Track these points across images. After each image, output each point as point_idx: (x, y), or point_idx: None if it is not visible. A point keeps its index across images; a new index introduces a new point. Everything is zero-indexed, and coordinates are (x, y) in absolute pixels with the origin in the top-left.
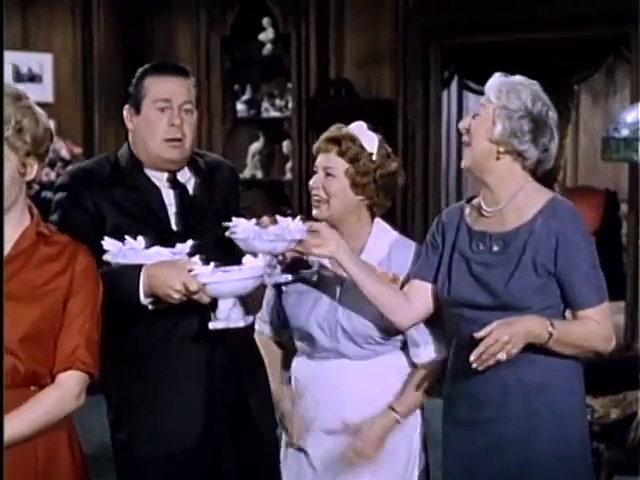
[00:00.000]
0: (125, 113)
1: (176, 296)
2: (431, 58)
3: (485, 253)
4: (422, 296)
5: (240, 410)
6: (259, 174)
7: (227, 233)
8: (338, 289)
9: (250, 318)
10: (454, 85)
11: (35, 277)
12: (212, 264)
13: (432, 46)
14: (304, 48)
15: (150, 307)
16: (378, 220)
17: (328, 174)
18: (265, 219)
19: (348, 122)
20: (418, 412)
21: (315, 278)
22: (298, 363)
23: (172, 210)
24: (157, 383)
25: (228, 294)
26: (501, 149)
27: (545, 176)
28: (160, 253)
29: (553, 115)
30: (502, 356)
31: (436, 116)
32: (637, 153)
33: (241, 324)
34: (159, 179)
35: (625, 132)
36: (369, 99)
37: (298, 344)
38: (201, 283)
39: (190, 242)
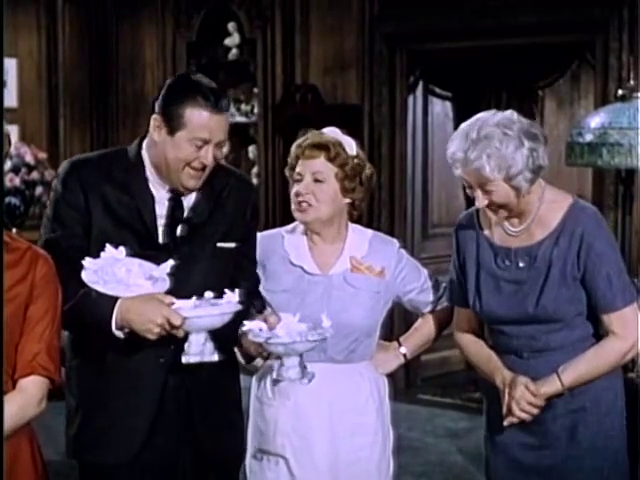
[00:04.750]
0: (154, 122)
1: (156, 330)
2: (397, 63)
3: (512, 269)
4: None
5: (189, 435)
6: None
7: (251, 337)
8: (323, 288)
9: (220, 353)
10: (419, 90)
11: None
12: (194, 298)
13: (398, 51)
14: (270, 53)
15: (122, 337)
16: (350, 223)
17: (317, 180)
18: (272, 319)
19: (315, 127)
20: (388, 418)
21: (300, 281)
22: None
23: (162, 222)
24: (112, 384)
25: (205, 328)
26: (527, 192)
27: None
28: (139, 285)
29: (532, 128)
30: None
31: (402, 121)
32: (601, 158)
33: (215, 358)
34: (158, 188)
35: (589, 137)
36: (335, 104)
37: None
38: (182, 317)
39: (171, 262)
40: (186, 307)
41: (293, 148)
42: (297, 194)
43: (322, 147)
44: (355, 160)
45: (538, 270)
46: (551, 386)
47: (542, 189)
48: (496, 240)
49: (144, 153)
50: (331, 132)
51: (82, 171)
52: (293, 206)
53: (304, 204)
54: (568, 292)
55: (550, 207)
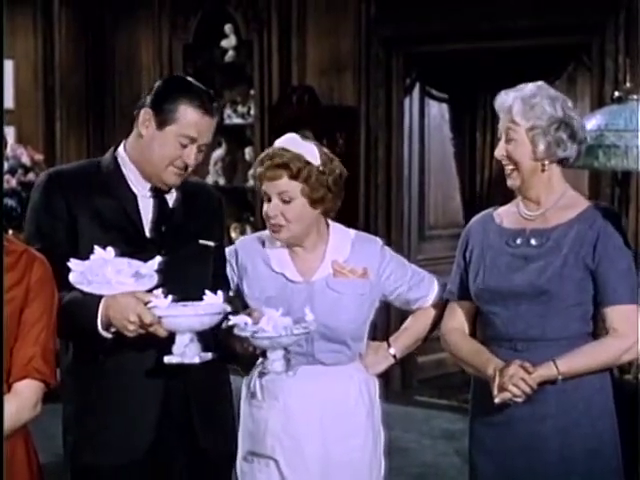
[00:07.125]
0: (144, 117)
1: (131, 328)
2: (393, 65)
3: (523, 246)
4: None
5: (187, 435)
6: (221, 181)
7: (236, 331)
8: (305, 295)
9: (207, 355)
10: (416, 92)
11: None
12: (170, 297)
13: (394, 53)
14: (266, 55)
15: (109, 337)
16: (332, 223)
17: (284, 200)
18: (256, 314)
19: (311, 129)
20: (379, 419)
21: (283, 289)
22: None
23: (148, 218)
24: (113, 385)
25: (184, 329)
26: (546, 162)
27: (505, 184)
28: (122, 282)
29: (570, 104)
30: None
31: (398, 123)
32: (597, 160)
33: (196, 361)
34: (140, 188)
35: None
36: (331, 106)
37: None
38: (157, 316)
39: (158, 258)
40: (162, 306)
41: (256, 163)
42: (267, 216)
43: (283, 166)
44: (320, 169)
45: (550, 249)
46: (546, 369)
47: (565, 185)
48: (510, 225)
49: (123, 156)
50: (290, 142)
51: (62, 180)
52: (267, 225)
53: (275, 224)
54: (577, 274)
55: (570, 202)
